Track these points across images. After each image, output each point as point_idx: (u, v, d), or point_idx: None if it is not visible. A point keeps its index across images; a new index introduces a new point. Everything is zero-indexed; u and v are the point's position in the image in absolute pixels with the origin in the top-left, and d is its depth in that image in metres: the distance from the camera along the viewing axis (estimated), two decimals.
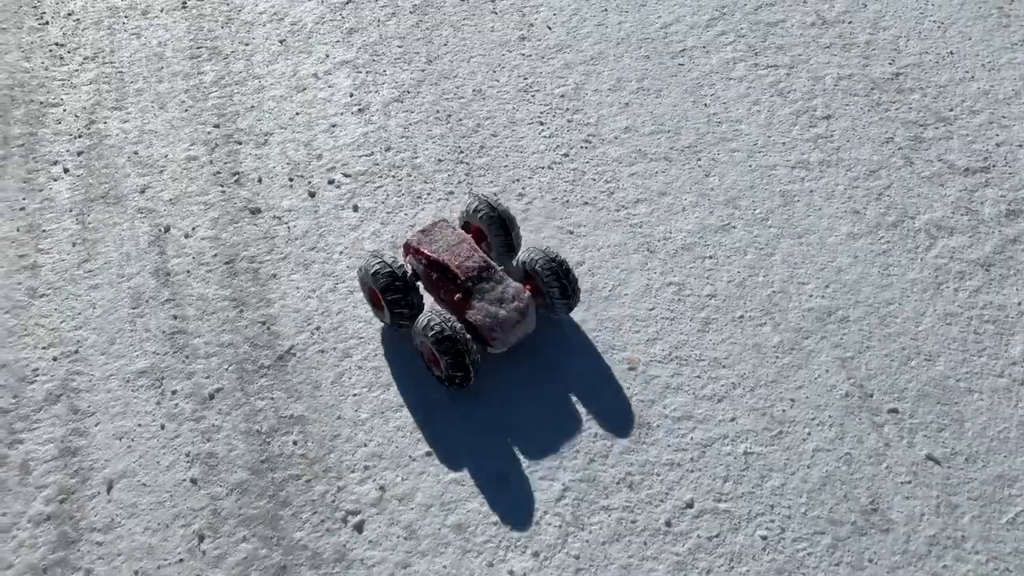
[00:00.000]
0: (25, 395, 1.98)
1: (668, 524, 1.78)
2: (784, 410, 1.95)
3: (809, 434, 1.91)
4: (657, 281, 2.20)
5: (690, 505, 1.80)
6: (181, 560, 1.73)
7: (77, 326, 2.10)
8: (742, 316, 2.12)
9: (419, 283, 2.02)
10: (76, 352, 2.05)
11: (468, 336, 1.85)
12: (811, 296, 2.16)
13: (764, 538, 1.76)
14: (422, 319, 1.87)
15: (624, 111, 2.62)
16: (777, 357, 2.04)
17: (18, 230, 2.30)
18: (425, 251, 1.98)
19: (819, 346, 2.06)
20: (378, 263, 1.93)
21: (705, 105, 2.64)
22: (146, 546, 1.75)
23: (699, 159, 2.48)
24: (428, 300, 2.04)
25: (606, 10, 2.95)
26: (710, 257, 2.25)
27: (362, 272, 1.98)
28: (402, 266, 1.95)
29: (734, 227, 2.31)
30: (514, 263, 2.04)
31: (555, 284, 1.95)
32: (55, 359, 2.04)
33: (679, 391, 1.98)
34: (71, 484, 1.84)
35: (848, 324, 2.10)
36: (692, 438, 1.91)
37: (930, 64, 2.72)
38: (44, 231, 2.30)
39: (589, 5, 2.96)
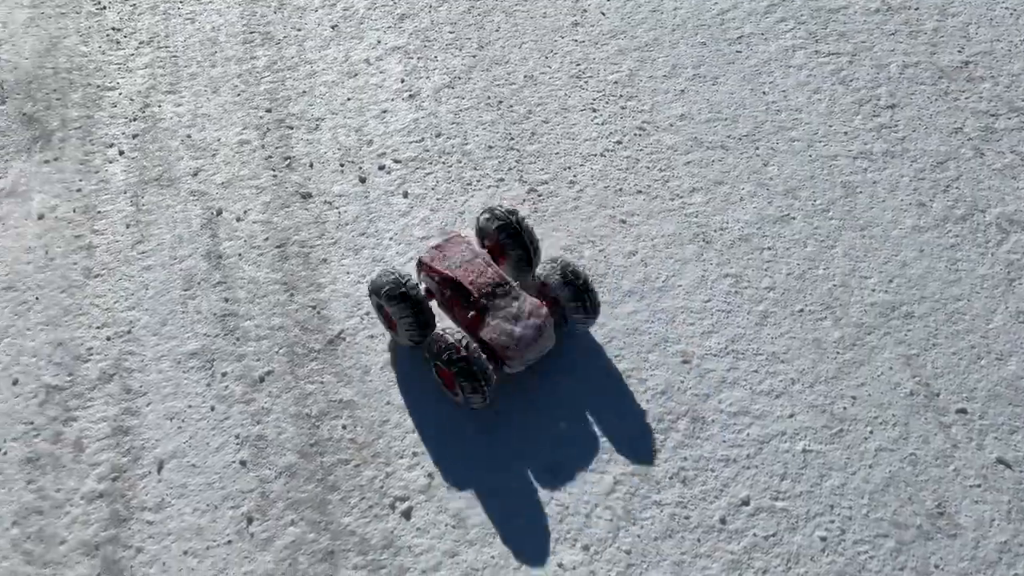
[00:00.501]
0: (80, 373, 2.00)
1: (723, 521, 1.73)
2: (845, 407, 1.88)
3: (871, 433, 1.84)
4: (713, 272, 2.14)
5: (746, 503, 1.75)
6: (230, 542, 1.73)
7: (130, 307, 2.12)
8: (802, 310, 2.05)
9: (432, 301, 1.95)
10: (129, 332, 2.07)
11: (483, 356, 1.76)
12: (874, 290, 2.08)
13: (823, 539, 1.70)
14: (434, 340, 1.79)
15: (679, 98, 2.55)
16: (838, 353, 1.97)
17: (74, 211, 2.33)
18: (438, 268, 1.89)
19: (882, 342, 1.98)
20: (389, 279, 1.86)
21: (763, 93, 2.56)
22: (195, 527, 1.75)
23: (757, 148, 2.41)
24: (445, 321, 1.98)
25: None
26: (768, 248, 2.18)
27: (372, 288, 1.90)
28: (410, 279, 1.87)
29: (793, 218, 2.24)
30: (531, 278, 1.96)
31: (572, 300, 1.85)
32: (109, 339, 2.06)
33: (735, 385, 1.93)
34: (123, 463, 1.85)
35: (913, 320, 2.02)
36: (748, 434, 1.85)
37: (1002, 52, 2.60)
38: (99, 212, 2.32)
39: None
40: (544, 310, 1.85)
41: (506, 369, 1.84)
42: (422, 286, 1.94)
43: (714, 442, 1.84)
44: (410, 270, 2.09)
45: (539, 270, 1.93)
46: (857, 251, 2.16)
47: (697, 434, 1.85)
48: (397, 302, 1.84)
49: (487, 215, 2.00)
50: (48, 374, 2.00)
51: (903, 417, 1.86)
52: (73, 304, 2.13)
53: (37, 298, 2.14)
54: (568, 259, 1.92)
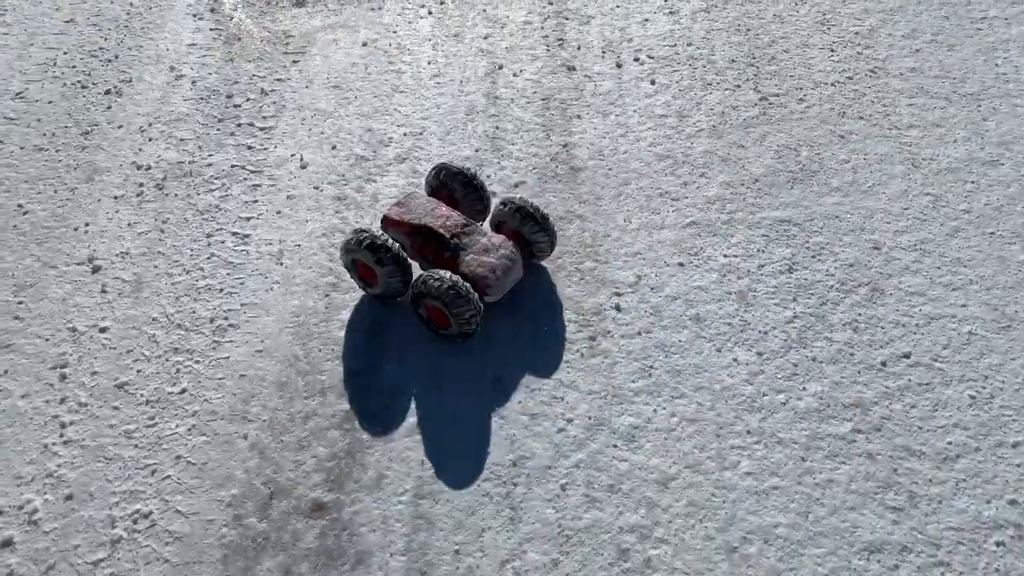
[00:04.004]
0: (381, 153, 2.56)
1: (883, 364, 2.00)
2: (1017, 311, 2.09)
3: None
4: (916, 189, 2.40)
5: (907, 356, 2.02)
6: None
7: (423, 117, 2.67)
8: (993, 232, 2.27)
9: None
10: (420, 134, 2.61)
11: (468, 286, 1.92)
12: None
13: (972, 397, 1.93)
14: (420, 281, 1.93)
15: (914, 55, 2.81)
16: (1020, 271, 2.18)
17: (390, 45, 2.92)
18: (407, 220, 2.05)
19: None
20: (366, 235, 1.98)
21: (996, 65, 2.77)
22: None
23: (979, 105, 2.63)
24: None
25: None
26: (972, 182, 2.41)
27: (349, 245, 2.00)
28: (383, 235, 2.00)
29: (1002, 164, 2.45)
30: (489, 219, 2.16)
31: (535, 231, 2.06)
32: (405, 135, 2.61)
33: (917, 273, 2.19)
34: None
35: None
36: (921, 310, 2.11)
37: None
38: (409, 50, 2.90)
39: None
40: (510, 242, 2.04)
41: (486, 299, 2.00)
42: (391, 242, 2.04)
43: (888, 308, 2.11)
44: (614, 138, 2.50)
45: (496, 211, 2.12)
46: None
47: (874, 300, 2.14)
48: (378, 253, 1.97)
49: (438, 170, 2.18)
50: (359, 148, 2.57)
51: None
52: (381, 106, 2.71)
53: (356, 96, 2.74)
54: (516, 198, 2.09)
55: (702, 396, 1.95)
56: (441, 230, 2.03)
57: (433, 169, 2.21)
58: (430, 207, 2.10)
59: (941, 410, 1.92)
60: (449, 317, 1.94)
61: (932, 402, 1.93)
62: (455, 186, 2.18)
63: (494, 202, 2.33)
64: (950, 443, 1.86)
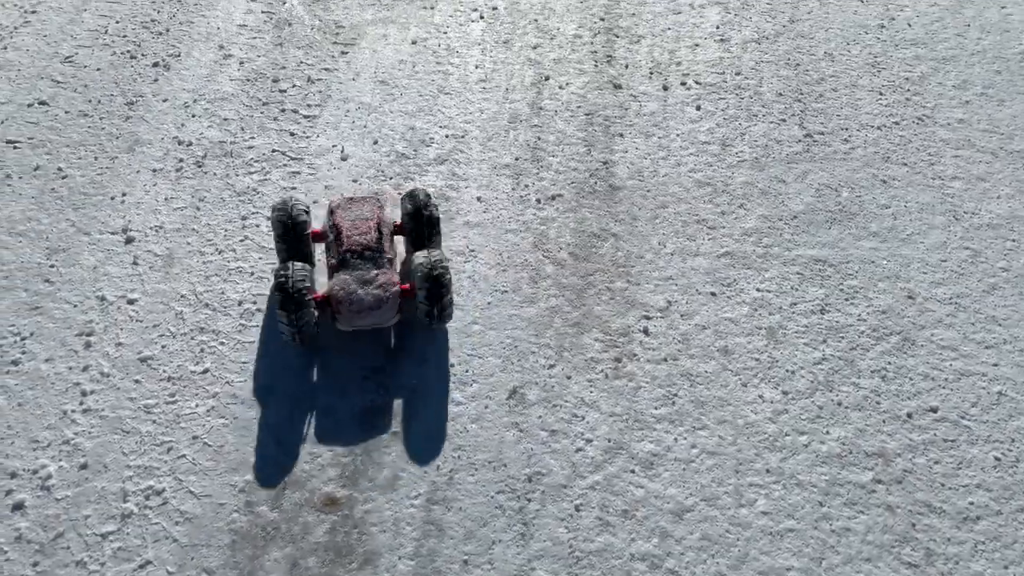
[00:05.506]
0: (422, 153, 2.55)
1: (909, 416, 1.98)
2: None
3: None
4: (955, 243, 2.37)
5: (934, 410, 1.99)
6: (504, 291, 2.19)
7: (466, 121, 2.66)
8: None
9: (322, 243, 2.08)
10: (462, 137, 2.61)
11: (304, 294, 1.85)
12: None
13: (998, 459, 1.91)
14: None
15: (963, 107, 2.79)
16: None
17: (439, 46, 2.92)
18: (336, 216, 2.02)
19: None
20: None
21: None
22: (485, 276, 2.23)
23: None
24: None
25: (968, 26, 3.11)
26: (1013, 240, 2.38)
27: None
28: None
29: None
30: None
31: (425, 291, 1.91)
32: (447, 136, 2.60)
33: (950, 328, 2.16)
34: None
35: None
36: (952, 365, 2.09)
37: None
38: (457, 53, 2.90)
39: (952, 17, 3.14)
40: (396, 288, 1.90)
41: (336, 325, 1.94)
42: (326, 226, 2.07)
43: (918, 360, 2.09)
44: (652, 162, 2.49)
45: (418, 258, 1.95)
46: None
47: (905, 350, 2.11)
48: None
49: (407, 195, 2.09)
50: (400, 145, 2.57)
51: None
52: (426, 106, 2.70)
53: (401, 93, 2.74)
54: (443, 267, 1.92)
55: (724, 430, 1.94)
56: (344, 238, 1.98)
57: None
58: (364, 216, 2.03)
59: (965, 469, 1.89)
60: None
61: (956, 460, 1.91)
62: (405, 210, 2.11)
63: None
64: (971, 503, 1.83)
